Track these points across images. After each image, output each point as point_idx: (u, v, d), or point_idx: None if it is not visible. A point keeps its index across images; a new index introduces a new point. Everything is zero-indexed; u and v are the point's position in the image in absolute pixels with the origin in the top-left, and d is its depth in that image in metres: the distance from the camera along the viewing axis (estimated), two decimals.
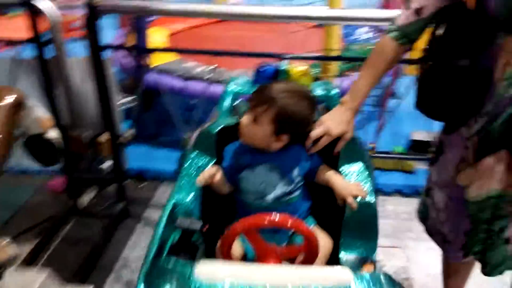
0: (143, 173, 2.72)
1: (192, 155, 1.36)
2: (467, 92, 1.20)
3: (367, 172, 1.31)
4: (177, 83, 2.91)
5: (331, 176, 1.29)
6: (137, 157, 2.76)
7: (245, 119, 1.24)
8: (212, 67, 2.91)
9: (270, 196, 1.25)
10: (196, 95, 2.84)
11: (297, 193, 1.28)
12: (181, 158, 1.46)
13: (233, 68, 2.91)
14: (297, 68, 1.72)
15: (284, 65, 1.72)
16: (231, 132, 1.35)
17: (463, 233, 1.33)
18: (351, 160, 1.33)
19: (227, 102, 1.67)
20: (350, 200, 1.20)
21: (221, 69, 2.92)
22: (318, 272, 0.99)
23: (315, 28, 3.58)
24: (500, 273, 1.36)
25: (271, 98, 1.21)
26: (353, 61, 2.93)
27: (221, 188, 1.29)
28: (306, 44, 3.18)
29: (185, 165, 1.33)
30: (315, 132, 1.27)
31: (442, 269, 1.61)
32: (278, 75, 1.69)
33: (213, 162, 1.34)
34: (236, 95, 1.69)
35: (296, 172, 1.27)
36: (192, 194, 1.25)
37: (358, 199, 1.20)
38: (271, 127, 1.22)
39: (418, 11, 1.21)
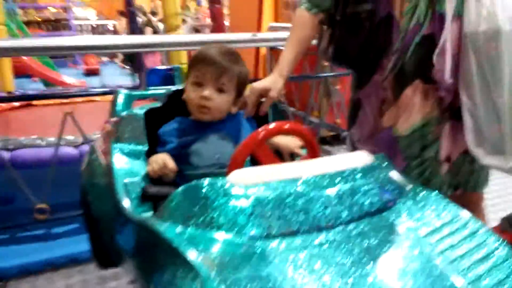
0: None
1: (118, 146, 1.31)
2: (376, 34, 1.32)
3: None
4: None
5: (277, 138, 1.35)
6: None
7: (209, 93, 1.24)
8: None
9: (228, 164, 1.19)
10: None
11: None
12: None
13: None
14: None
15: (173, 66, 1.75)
16: (158, 115, 1.37)
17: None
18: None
19: (121, 106, 1.58)
20: (298, 150, 1.28)
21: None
22: (343, 158, 1.04)
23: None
24: None
25: (229, 63, 1.26)
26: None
27: (168, 175, 1.22)
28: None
29: (113, 159, 1.27)
30: (245, 94, 1.35)
31: None
32: (170, 75, 1.68)
33: (144, 149, 1.31)
34: (129, 99, 1.60)
35: (244, 137, 1.24)
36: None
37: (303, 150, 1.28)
38: (234, 93, 1.29)
39: None
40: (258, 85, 1.35)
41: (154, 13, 7.86)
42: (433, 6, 1.25)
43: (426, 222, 0.92)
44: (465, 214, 0.96)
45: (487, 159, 1.26)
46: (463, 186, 1.42)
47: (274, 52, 3.68)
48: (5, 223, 2.47)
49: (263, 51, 4.14)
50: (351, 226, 0.87)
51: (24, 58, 6.01)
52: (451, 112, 1.33)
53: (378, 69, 1.36)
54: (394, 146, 1.36)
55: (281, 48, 3.46)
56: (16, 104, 3.88)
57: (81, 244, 2.33)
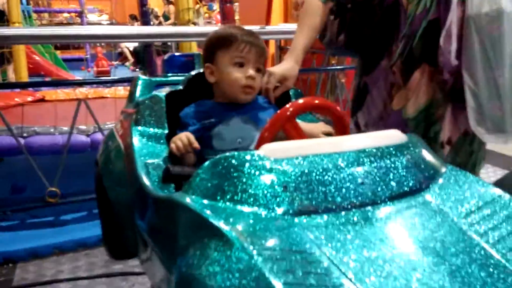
0: None
1: (138, 129, 1.29)
2: (384, 21, 1.36)
3: (315, 119, 1.42)
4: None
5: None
6: None
7: (254, 73, 1.23)
8: None
9: (252, 148, 1.16)
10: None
11: None
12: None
13: None
14: None
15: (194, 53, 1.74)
16: (178, 98, 1.35)
17: None
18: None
19: (140, 92, 1.57)
20: (323, 136, 1.22)
21: None
22: (377, 135, 1.00)
23: None
24: None
25: (263, 44, 1.27)
26: None
27: (189, 156, 1.18)
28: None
29: (133, 141, 1.25)
30: (263, 80, 1.31)
31: None
32: (191, 61, 1.67)
33: (165, 132, 1.28)
34: (149, 85, 1.59)
35: (267, 120, 1.22)
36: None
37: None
38: (263, 71, 1.28)
39: None
40: (277, 71, 1.32)
41: (167, 18, 7.98)
42: None
43: (464, 203, 0.88)
44: (505, 195, 0.91)
45: (488, 137, 1.30)
46: (463, 166, 1.44)
47: (284, 53, 3.74)
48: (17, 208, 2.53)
49: (272, 49, 4.20)
50: (385, 205, 0.83)
51: (38, 58, 6.15)
52: (453, 94, 1.37)
53: (386, 54, 1.40)
54: (403, 129, 1.39)
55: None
56: (30, 99, 3.99)
57: (88, 230, 2.41)
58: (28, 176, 2.56)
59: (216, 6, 8.37)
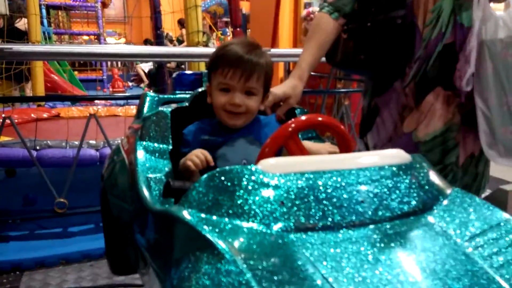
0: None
1: (142, 144, 1.29)
2: (401, 43, 1.37)
3: (319, 140, 1.42)
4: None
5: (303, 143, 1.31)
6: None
7: (239, 99, 1.18)
8: None
9: None
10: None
11: None
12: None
13: None
14: None
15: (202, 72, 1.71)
16: (183, 115, 1.36)
17: None
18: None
19: (148, 108, 1.58)
20: None
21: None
22: (380, 154, 0.98)
23: None
24: None
25: (256, 60, 1.18)
26: None
27: (194, 175, 1.16)
28: None
29: (137, 155, 1.25)
30: (267, 100, 1.29)
31: None
32: (199, 79, 1.67)
33: (169, 147, 1.28)
34: (156, 102, 1.60)
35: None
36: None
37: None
38: (262, 92, 1.23)
39: None
40: (279, 91, 1.30)
41: (180, 41, 8.19)
42: (455, 16, 1.31)
43: (468, 225, 0.85)
44: (510, 219, 0.88)
45: (501, 160, 1.32)
46: (467, 189, 1.44)
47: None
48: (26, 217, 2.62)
49: (281, 73, 4.29)
50: (385, 225, 0.81)
51: (55, 77, 6.34)
52: (464, 117, 1.37)
53: (399, 75, 1.39)
54: (414, 152, 1.38)
55: None
56: (45, 115, 4.13)
57: (93, 242, 2.47)
58: (38, 188, 2.65)
59: (229, 31, 8.60)
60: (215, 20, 11.23)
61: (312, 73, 1.43)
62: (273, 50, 2.76)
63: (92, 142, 2.69)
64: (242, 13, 6.33)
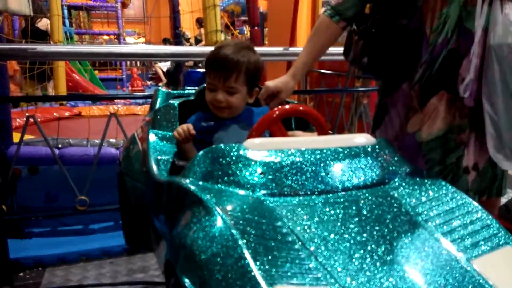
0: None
1: (154, 132, 1.49)
2: (407, 47, 1.41)
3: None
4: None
5: (293, 132, 1.47)
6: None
7: (221, 97, 1.36)
8: None
9: None
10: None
11: None
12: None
13: None
14: None
15: None
16: (189, 107, 1.55)
17: None
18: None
19: (160, 103, 1.77)
20: None
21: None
22: (349, 137, 1.17)
23: None
24: None
25: (235, 62, 1.34)
26: None
27: (191, 151, 1.35)
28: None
29: (149, 142, 1.44)
30: (260, 93, 1.45)
31: None
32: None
33: None
34: (168, 96, 1.80)
35: None
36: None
37: None
38: (246, 88, 1.38)
39: None
40: (271, 84, 1.45)
41: (198, 41, 8.24)
42: (461, 23, 1.34)
43: (417, 196, 1.02)
44: (466, 199, 1.03)
45: (507, 164, 1.32)
46: (487, 192, 1.45)
47: (309, 74, 3.82)
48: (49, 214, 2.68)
49: None
50: (350, 193, 0.99)
51: (77, 77, 6.46)
52: (476, 121, 1.38)
53: (407, 78, 1.44)
54: (417, 151, 1.43)
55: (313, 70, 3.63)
56: (67, 114, 4.21)
57: (114, 240, 2.50)
58: (60, 186, 2.70)
59: (246, 30, 8.61)
60: (232, 19, 11.24)
61: (330, 71, 1.48)
62: (291, 49, 2.76)
63: (112, 140, 2.73)
64: (260, 12, 6.33)
